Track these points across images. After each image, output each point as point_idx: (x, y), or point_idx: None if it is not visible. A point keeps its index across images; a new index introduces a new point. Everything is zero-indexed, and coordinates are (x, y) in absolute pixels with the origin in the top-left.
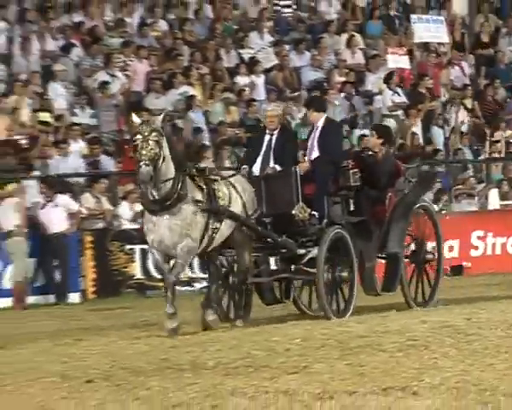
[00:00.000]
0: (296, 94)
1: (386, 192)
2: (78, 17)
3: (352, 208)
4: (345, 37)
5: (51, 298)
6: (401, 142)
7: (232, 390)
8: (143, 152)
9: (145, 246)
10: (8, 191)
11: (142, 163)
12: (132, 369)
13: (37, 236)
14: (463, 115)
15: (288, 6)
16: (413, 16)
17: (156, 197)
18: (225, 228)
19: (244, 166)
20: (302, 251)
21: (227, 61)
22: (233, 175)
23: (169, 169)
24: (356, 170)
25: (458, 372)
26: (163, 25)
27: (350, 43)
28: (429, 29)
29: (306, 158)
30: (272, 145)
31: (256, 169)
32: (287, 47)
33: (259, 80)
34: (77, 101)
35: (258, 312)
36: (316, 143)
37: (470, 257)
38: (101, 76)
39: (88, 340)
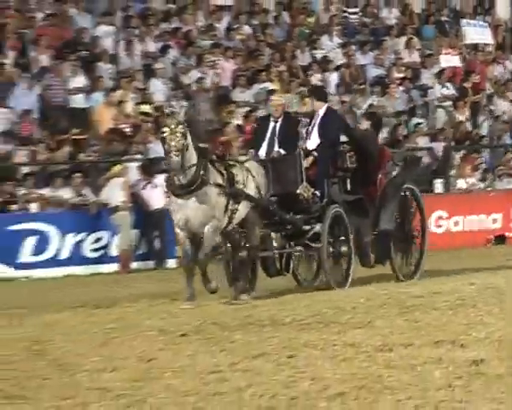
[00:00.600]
0: (361, 87)
1: (377, 174)
2: (174, 23)
3: (348, 188)
4: (403, 39)
5: (151, 264)
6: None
7: (305, 343)
8: (172, 143)
9: None
10: (115, 172)
11: (172, 153)
12: (220, 324)
13: (140, 210)
14: (505, 106)
15: (355, 13)
16: (463, 21)
17: (182, 182)
18: (243, 209)
19: (251, 151)
20: (307, 227)
21: (301, 60)
22: (247, 160)
23: (192, 156)
24: (352, 153)
25: (501, 327)
26: (247, 29)
27: (408, 45)
28: (477, 32)
29: (307, 141)
30: (276, 131)
31: (262, 153)
32: (353, 48)
33: (332, 77)
34: (173, 94)
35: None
36: (316, 129)
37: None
38: (194, 73)
39: (182, 300)
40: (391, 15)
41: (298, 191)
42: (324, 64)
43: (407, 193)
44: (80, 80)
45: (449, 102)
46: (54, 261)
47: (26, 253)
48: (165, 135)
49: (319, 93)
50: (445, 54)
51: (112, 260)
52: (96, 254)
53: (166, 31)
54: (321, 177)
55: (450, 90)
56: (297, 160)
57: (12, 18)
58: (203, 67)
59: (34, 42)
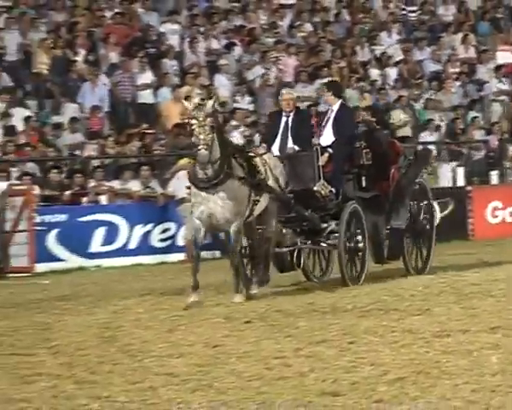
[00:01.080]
0: (419, 82)
1: (390, 169)
2: (238, 21)
3: (363, 185)
4: (460, 35)
5: (217, 253)
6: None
7: (365, 329)
8: (202, 136)
9: None
10: (181, 165)
11: (201, 147)
12: (284, 311)
13: None
14: None
15: (413, 10)
16: None
17: (207, 176)
18: (263, 201)
19: (263, 145)
20: (324, 225)
21: (361, 56)
22: (265, 153)
23: (217, 149)
24: (367, 150)
25: None
26: (308, 27)
27: (464, 41)
28: None
29: (320, 137)
30: (289, 126)
31: (275, 148)
32: (411, 44)
33: (391, 72)
34: (238, 90)
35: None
36: (330, 125)
37: None
38: (258, 70)
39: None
40: (447, 13)
41: (315, 188)
42: (383, 60)
43: (417, 187)
44: (147, 76)
45: (504, 97)
46: (123, 251)
47: (96, 243)
48: (193, 127)
49: (336, 89)
50: (502, 51)
51: (178, 249)
52: (163, 245)
53: (230, 28)
54: (337, 174)
55: (505, 85)
56: (314, 157)
57: (82, 17)
58: (266, 64)
59: (103, 40)
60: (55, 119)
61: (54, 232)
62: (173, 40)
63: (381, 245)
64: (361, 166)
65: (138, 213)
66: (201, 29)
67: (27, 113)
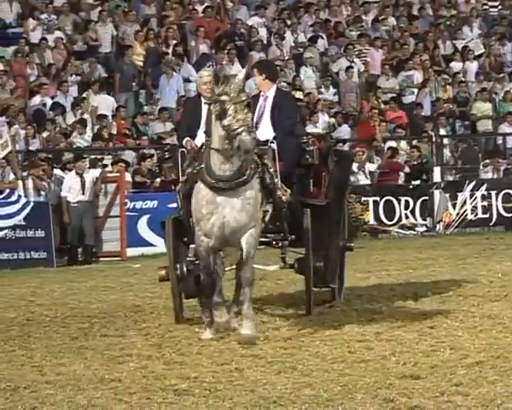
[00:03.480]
0: (500, 76)
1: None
2: (324, 15)
3: (311, 190)
4: None
5: None
6: None
7: (445, 314)
8: (240, 116)
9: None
10: None
11: (241, 129)
12: (365, 296)
13: None
14: None
15: (494, 6)
16: None
17: (228, 173)
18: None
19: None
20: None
21: (443, 50)
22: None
23: None
24: (315, 146)
25: None
26: (392, 21)
27: None
28: None
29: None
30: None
31: (198, 143)
32: (492, 38)
33: (472, 65)
34: (323, 82)
35: None
36: (268, 116)
37: None
38: (343, 62)
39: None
40: None
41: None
42: (465, 53)
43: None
44: (236, 68)
45: None
46: None
47: None
48: (225, 106)
49: (269, 70)
50: None
51: None
52: None
53: (317, 22)
54: (288, 176)
55: None
56: (270, 156)
57: (173, 10)
58: (350, 56)
59: (193, 32)
60: (147, 109)
61: (144, 218)
62: (261, 33)
63: (326, 266)
64: (309, 167)
65: None
66: (288, 22)
67: (120, 103)
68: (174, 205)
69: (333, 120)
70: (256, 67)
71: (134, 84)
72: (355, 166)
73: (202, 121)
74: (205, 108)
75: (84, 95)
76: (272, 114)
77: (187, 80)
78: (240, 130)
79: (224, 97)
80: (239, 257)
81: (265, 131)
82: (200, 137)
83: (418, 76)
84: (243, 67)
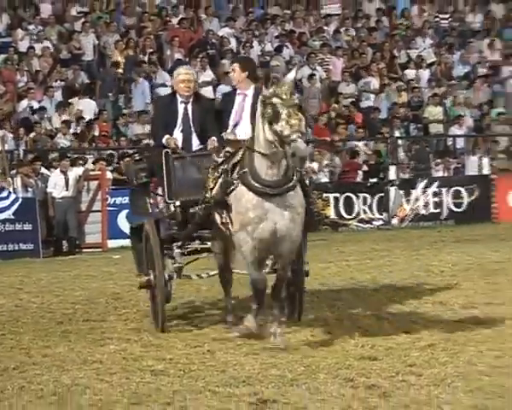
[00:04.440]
0: (451, 82)
1: None
2: (289, 26)
3: None
4: (487, 41)
5: None
6: None
7: (400, 301)
8: (293, 121)
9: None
10: None
11: (295, 136)
12: (328, 285)
13: None
14: None
15: (445, 18)
16: None
17: (275, 178)
18: None
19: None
20: None
21: (399, 59)
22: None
23: None
24: None
25: None
26: (352, 32)
27: (490, 46)
28: None
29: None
30: (190, 116)
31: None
32: (443, 48)
33: (425, 73)
34: None
35: None
36: (248, 115)
37: None
38: (306, 70)
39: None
40: (476, 20)
41: None
42: (418, 62)
43: None
44: (208, 75)
45: None
46: None
47: None
48: (277, 110)
49: (251, 68)
50: (329, 4)
51: None
52: None
53: (282, 33)
54: None
55: None
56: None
57: (150, 22)
58: (313, 64)
59: (169, 42)
60: (127, 112)
61: (124, 212)
62: (231, 43)
63: None
64: None
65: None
66: (256, 33)
67: (101, 106)
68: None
69: None
70: (239, 62)
71: (113, 90)
72: (316, 166)
73: (179, 120)
74: (181, 106)
75: (69, 100)
76: (252, 114)
77: (163, 85)
78: (294, 136)
79: (275, 100)
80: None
81: (245, 131)
82: (178, 137)
83: (375, 82)
84: (215, 73)
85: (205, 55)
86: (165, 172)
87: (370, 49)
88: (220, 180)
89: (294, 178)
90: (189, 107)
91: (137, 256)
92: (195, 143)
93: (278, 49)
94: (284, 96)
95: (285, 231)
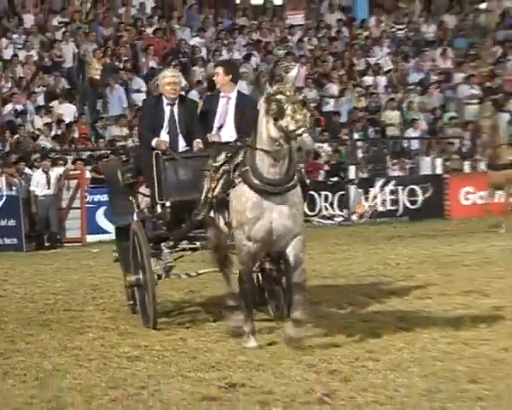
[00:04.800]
0: (407, 88)
1: None
2: (256, 36)
3: None
4: (439, 50)
5: None
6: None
7: (359, 292)
8: (298, 117)
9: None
10: None
11: (300, 131)
12: None
13: None
14: None
15: (401, 29)
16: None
17: (278, 176)
18: None
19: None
20: None
21: (358, 66)
22: None
23: None
24: None
25: None
26: (314, 41)
27: (443, 54)
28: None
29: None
30: (175, 118)
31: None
32: (399, 56)
33: (382, 79)
34: (254, 94)
35: None
36: (232, 117)
37: None
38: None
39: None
40: (429, 30)
41: None
42: (376, 69)
43: None
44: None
45: (475, 100)
46: None
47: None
48: (282, 106)
49: (234, 71)
50: (292, 14)
51: None
52: None
53: (249, 42)
54: None
55: (476, 90)
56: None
57: (127, 31)
58: (278, 71)
59: (144, 50)
60: (104, 115)
61: (102, 209)
62: (202, 51)
63: None
64: None
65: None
66: (225, 42)
67: (79, 111)
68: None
69: None
70: (223, 66)
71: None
72: None
73: (165, 122)
74: (167, 108)
75: (51, 104)
76: (236, 117)
77: (138, 91)
78: (299, 131)
79: (279, 96)
80: (288, 263)
81: (229, 134)
82: (165, 138)
83: (336, 88)
84: (186, 80)
85: (177, 63)
86: (155, 173)
87: (331, 57)
88: (222, 181)
89: (295, 177)
90: (175, 109)
91: (123, 255)
92: (182, 145)
93: (246, 58)
94: (288, 93)
95: (282, 230)
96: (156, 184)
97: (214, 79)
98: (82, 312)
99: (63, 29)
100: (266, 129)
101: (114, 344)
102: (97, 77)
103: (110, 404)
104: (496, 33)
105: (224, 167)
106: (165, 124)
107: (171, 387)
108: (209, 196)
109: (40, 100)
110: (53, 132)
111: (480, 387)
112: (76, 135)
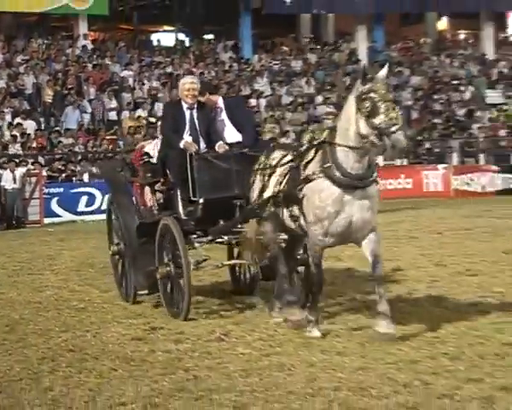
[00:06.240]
0: (281, 108)
1: None
2: (169, 69)
3: None
4: (305, 79)
5: None
6: None
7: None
8: (393, 115)
9: None
10: None
11: (395, 128)
12: None
13: None
14: None
15: (276, 64)
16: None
17: (361, 171)
18: None
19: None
20: None
21: (245, 92)
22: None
23: None
24: None
25: None
26: (213, 73)
27: (307, 82)
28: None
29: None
30: (195, 122)
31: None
32: (275, 84)
33: (263, 101)
34: None
35: None
36: (228, 121)
37: None
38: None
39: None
40: (297, 65)
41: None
42: (258, 94)
43: None
44: (113, 103)
45: (331, 117)
46: (98, 211)
47: (81, 205)
48: (377, 104)
49: (210, 87)
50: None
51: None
52: None
53: (164, 73)
54: None
55: (332, 109)
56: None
57: (73, 66)
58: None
59: (86, 80)
60: (57, 129)
61: (55, 199)
62: (129, 81)
63: None
64: None
65: (107, 187)
66: (146, 74)
67: (37, 125)
68: (75, 190)
69: None
70: (200, 91)
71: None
72: None
73: (187, 125)
74: (187, 112)
75: (16, 121)
76: (231, 119)
77: (84, 111)
78: (394, 128)
79: (373, 95)
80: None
81: (233, 135)
82: (188, 140)
83: None
84: (119, 103)
85: (111, 90)
86: (189, 171)
87: (225, 85)
88: (287, 177)
89: (375, 173)
90: (194, 112)
91: (150, 250)
92: (202, 146)
93: (163, 85)
94: (381, 91)
95: (361, 224)
96: (190, 183)
97: (204, 102)
98: (41, 275)
99: (25, 64)
100: (356, 126)
101: (66, 299)
102: (50, 101)
103: (63, 343)
104: (346, 67)
105: (290, 164)
106: (187, 126)
107: (108, 330)
108: (275, 190)
109: (8, 118)
110: (18, 142)
111: None
112: (34, 144)
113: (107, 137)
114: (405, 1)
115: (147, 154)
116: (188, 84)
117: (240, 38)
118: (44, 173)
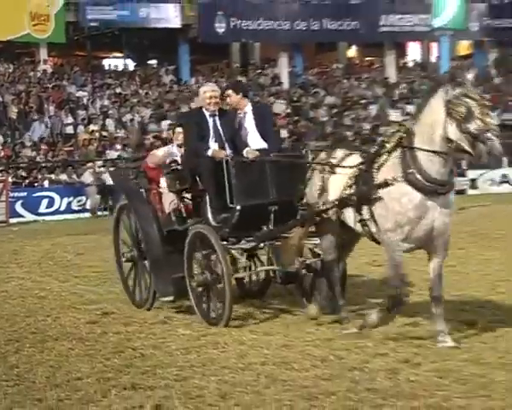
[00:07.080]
0: None
1: None
2: (119, 90)
3: None
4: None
5: None
6: None
7: None
8: (488, 119)
9: None
10: None
11: (491, 134)
12: None
13: None
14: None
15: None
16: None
17: (446, 177)
18: None
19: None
20: None
21: (184, 109)
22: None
23: None
24: None
25: None
26: (156, 93)
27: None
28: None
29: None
30: (219, 128)
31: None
32: None
33: None
34: (117, 127)
35: None
36: (254, 129)
37: None
38: (128, 116)
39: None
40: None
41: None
42: None
43: None
44: (70, 119)
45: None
46: (57, 212)
47: (42, 207)
48: (471, 109)
49: (243, 88)
50: None
51: (85, 211)
52: (76, 209)
53: (114, 93)
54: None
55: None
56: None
57: (34, 87)
58: (132, 112)
59: (46, 99)
60: (20, 141)
61: (19, 202)
62: (84, 100)
63: None
64: None
65: (65, 191)
66: (99, 94)
67: (4, 138)
68: (37, 194)
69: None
70: (230, 88)
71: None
72: None
73: (211, 132)
74: (210, 119)
75: None
76: (258, 126)
77: (46, 126)
78: (490, 134)
79: (466, 100)
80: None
81: (257, 142)
82: (214, 147)
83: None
84: (74, 119)
85: (68, 108)
86: (226, 178)
87: (167, 104)
88: (356, 181)
89: (453, 178)
90: (217, 119)
91: (174, 257)
92: (228, 152)
93: (112, 103)
94: (475, 96)
95: (442, 229)
96: (227, 189)
97: (227, 101)
98: (7, 268)
99: None
100: (444, 131)
101: (29, 288)
102: (15, 117)
103: (27, 327)
104: (270, 89)
105: (361, 167)
106: (211, 134)
107: (66, 315)
108: (345, 193)
109: None
110: None
111: None
112: (2, 154)
113: (65, 149)
114: (320, 32)
115: (175, 161)
116: (209, 92)
117: (179, 63)
118: (10, 180)
